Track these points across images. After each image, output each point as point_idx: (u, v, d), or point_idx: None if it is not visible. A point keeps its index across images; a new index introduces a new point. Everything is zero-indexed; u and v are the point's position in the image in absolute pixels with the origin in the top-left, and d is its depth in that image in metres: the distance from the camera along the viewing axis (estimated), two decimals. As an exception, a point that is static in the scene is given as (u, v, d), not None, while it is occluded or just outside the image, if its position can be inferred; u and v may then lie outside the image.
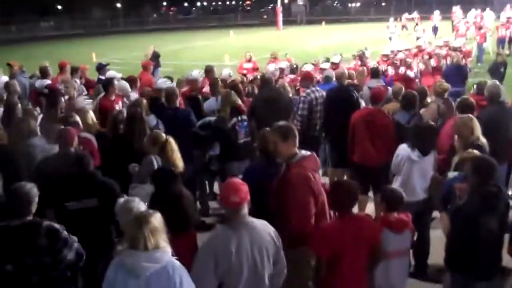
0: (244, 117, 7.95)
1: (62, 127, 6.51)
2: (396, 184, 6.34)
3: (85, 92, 11.16)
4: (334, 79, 10.30)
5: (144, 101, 8.07)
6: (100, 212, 5.16)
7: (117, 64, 24.79)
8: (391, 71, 14.16)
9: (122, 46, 40.13)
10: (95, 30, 58.48)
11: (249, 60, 16.27)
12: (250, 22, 66.61)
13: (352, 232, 4.45)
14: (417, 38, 25.76)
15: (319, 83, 10.38)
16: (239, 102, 8.07)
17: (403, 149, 6.41)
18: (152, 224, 3.62)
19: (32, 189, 4.32)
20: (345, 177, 8.41)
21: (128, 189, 5.95)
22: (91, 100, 9.19)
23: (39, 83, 10.77)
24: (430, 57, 15.62)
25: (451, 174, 6.00)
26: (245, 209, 4.01)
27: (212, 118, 8.18)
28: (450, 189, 5.45)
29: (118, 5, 78.08)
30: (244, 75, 14.88)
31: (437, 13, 33.54)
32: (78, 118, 7.06)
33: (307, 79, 9.42)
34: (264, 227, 4.11)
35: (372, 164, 7.53)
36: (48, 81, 10.75)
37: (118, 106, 8.71)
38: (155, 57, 20.16)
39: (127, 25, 64.96)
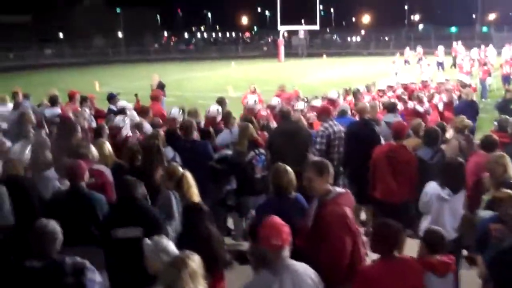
0: (262, 150, 7.78)
1: (72, 159, 6.30)
2: (425, 224, 6.14)
3: (94, 122, 11.01)
4: (349, 112, 10.25)
5: (162, 132, 7.88)
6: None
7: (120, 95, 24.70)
8: (400, 106, 14.03)
9: (124, 75, 40.07)
10: (97, 58, 58.69)
11: (254, 92, 16.04)
12: (250, 54, 67.05)
13: (395, 276, 4.24)
14: (422, 73, 25.73)
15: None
16: (256, 135, 7.90)
17: (432, 187, 6.20)
18: (191, 267, 3.41)
19: (56, 227, 4.10)
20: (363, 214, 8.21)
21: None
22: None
23: (49, 111, 10.57)
24: (439, 92, 15.52)
25: (483, 213, 5.84)
26: (287, 252, 3.80)
27: (229, 152, 8.01)
28: (485, 230, 5.24)
29: (119, 34, 78.62)
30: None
31: (441, 48, 33.52)
32: (90, 150, 6.86)
33: (324, 113, 9.24)
34: (305, 270, 3.93)
35: (394, 201, 7.32)
36: (58, 110, 10.59)
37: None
38: (160, 87, 19.85)
39: (129, 54, 65.20)
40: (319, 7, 55.83)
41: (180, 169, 6.17)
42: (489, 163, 6.24)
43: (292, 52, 56.55)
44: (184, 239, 4.80)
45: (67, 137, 7.91)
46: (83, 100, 11.44)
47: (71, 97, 11.49)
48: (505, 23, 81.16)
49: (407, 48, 38.06)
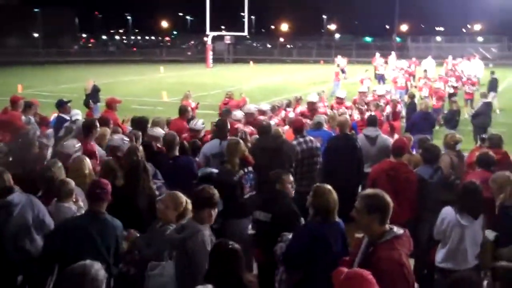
0: (250, 168, 7.06)
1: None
2: (442, 253, 5.73)
3: (39, 132, 9.89)
4: (325, 125, 9.77)
5: (141, 147, 6.98)
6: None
7: (46, 97, 23.37)
8: (356, 116, 13.80)
9: (47, 77, 37.98)
10: (13, 58, 55.33)
11: (230, 98, 15.21)
12: (174, 58, 65.90)
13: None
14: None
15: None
16: (247, 152, 7.18)
17: (449, 214, 5.77)
18: None
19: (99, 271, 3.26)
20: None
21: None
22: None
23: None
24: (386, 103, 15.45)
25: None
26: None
27: (214, 170, 7.24)
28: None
29: (35, 34, 75.11)
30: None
31: (378, 55, 33.59)
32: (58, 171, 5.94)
33: (299, 127, 8.64)
34: None
35: (394, 221, 6.84)
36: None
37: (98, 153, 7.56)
38: (95, 91, 18.68)
39: (48, 55, 62.24)
40: (247, 13, 55.51)
41: (183, 196, 5.36)
42: (499, 183, 5.94)
43: (216, 57, 55.86)
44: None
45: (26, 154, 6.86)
46: (27, 106, 10.25)
47: (14, 103, 10.23)
48: (418, 34, 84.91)
49: (339, 57, 38.03)
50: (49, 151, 7.77)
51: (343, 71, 35.55)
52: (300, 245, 5.01)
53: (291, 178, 6.04)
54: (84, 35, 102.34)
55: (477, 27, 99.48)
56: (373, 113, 11.34)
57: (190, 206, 5.22)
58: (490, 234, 5.76)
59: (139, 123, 8.79)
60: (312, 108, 12.21)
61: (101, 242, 4.88)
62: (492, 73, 25.92)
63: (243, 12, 55.96)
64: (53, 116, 11.48)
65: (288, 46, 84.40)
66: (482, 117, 14.70)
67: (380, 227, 4.10)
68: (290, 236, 5.34)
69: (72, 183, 5.60)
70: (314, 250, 4.96)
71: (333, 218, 4.98)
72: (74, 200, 5.55)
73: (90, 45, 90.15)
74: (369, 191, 4.37)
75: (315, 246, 4.96)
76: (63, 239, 4.84)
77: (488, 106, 14.88)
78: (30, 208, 5.31)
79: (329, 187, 5.11)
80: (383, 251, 3.99)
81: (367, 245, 4.17)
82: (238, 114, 10.64)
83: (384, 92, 16.15)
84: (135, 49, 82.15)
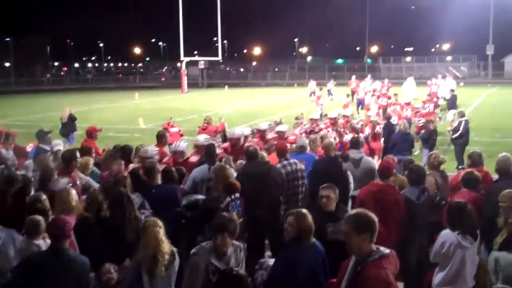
0: (237, 195, 6.95)
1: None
2: (441, 276, 5.63)
3: (17, 163, 9.68)
4: (308, 148, 9.72)
5: (128, 177, 6.85)
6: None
7: (19, 127, 22.98)
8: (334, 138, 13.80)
9: (20, 106, 37.36)
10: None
11: (208, 123, 15.04)
12: (149, 84, 65.91)
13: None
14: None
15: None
16: (233, 178, 7.09)
17: (450, 236, 5.64)
18: None
19: None
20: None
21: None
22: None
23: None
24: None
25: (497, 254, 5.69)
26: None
27: (200, 196, 7.13)
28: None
29: (7, 64, 74.51)
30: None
31: (353, 78, 33.76)
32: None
33: (282, 150, 8.60)
34: None
35: (382, 245, 6.80)
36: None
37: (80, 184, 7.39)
38: (71, 120, 18.39)
39: (20, 84, 61.63)
40: (221, 38, 55.83)
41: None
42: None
43: (190, 82, 55.92)
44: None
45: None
46: (5, 138, 10.02)
47: (-6, 134, 10.01)
48: (388, 55, 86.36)
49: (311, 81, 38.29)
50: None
51: (330, 93, 35.98)
52: (280, 270, 4.94)
53: None
54: (56, 63, 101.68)
55: (446, 46, 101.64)
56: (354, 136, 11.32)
57: None
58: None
59: (123, 151, 8.67)
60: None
61: (65, 279, 4.74)
62: (452, 90, 26.46)
63: (216, 37, 56.31)
64: (29, 146, 11.24)
65: (262, 69, 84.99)
66: (466, 136, 14.80)
67: (369, 246, 4.15)
68: (270, 263, 5.28)
69: (42, 220, 5.45)
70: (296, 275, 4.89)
71: (309, 239, 4.98)
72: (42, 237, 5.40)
73: (62, 73, 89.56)
74: (352, 212, 4.41)
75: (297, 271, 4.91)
76: (26, 275, 4.69)
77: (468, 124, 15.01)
78: (12, 244, 5.18)
79: (304, 211, 5.10)
80: (371, 269, 4.04)
81: (355, 264, 4.20)
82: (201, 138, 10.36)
83: (337, 115, 15.86)
84: (110, 76, 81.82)
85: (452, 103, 24.72)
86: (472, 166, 8.15)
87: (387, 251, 4.18)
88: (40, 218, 5.46)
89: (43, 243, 5.35)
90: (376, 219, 4.26)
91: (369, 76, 35.48)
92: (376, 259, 4.09)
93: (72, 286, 4.80)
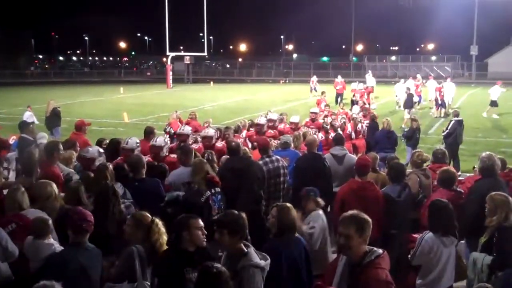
0: (218, 189, 6.94)
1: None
2: (429, 278, 5.59)
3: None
4: (292, 144, 9.74)
5: (111, 167, 6.81)
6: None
7: (3, 119, 22.90)
8: (321, 136, 13.85)
9: (4, 99, 37.06)
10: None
11: (192, 118, 15.00)
12: (133, 79, 65.53)
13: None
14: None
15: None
16: (212, 172, 7.08)
17: (433, 239, 5.57)
18: None
19: None
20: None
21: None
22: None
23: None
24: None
25: (477, 255, 5.66)
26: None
27: (180, 193, 7.11)
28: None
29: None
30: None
31: (340, 78, 33.74)
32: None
33: (265, 146, 8.60)
34: None
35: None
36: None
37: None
38: (55, 114, 18.20)
39: (4, 77, 60.92)
40: (206, 34, 55.68)
41: (149, 215, 5.30)
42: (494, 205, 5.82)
43: (175, 78, 55.69)
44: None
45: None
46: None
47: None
48: (374, 53, 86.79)
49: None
50: (11, 175, 7.55)
51: (315, 89, 35.98)
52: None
53: (201, 223, 5.05)
54: (40, 56, 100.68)
55: (431, 46, 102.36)
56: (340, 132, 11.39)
57: (160, 227, 5.18)
58: (486, 258, 5.60)
59: (111, 145, 8.65)
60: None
61: (91, 272, 4.80)
62: (408, 89, 26.86)
63: (202, 32, 56.16)
64: (12, 138, 11.13)
65: (248, 66, 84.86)
66: (455, 135, 14.91)
67: (364, 247, 4.11)
68: None
69: (50, 220, 5.40)
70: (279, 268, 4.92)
71: (293, 233, 5.08)
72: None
73: (46, 66, 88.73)
74: (348, 214, 4.24)
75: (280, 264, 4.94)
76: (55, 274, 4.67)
77: (460, 124, 15.10)
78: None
79: (288, 205, 5.19)
80: (370, 271, 3.99)
81: (348, 266, 4.15)
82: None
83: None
84: (94, 70, 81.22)
85: (408, 103, 25.83)
86: (436, 163, 8.22)
87: (380, 251, 4.11)
88: (47, 217, 5.40)
89: (53, 241, 5.27)
90: (368, 218, 4.20)
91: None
92: (372, 260, 4.04)
93: (96, 278, 4.85)
